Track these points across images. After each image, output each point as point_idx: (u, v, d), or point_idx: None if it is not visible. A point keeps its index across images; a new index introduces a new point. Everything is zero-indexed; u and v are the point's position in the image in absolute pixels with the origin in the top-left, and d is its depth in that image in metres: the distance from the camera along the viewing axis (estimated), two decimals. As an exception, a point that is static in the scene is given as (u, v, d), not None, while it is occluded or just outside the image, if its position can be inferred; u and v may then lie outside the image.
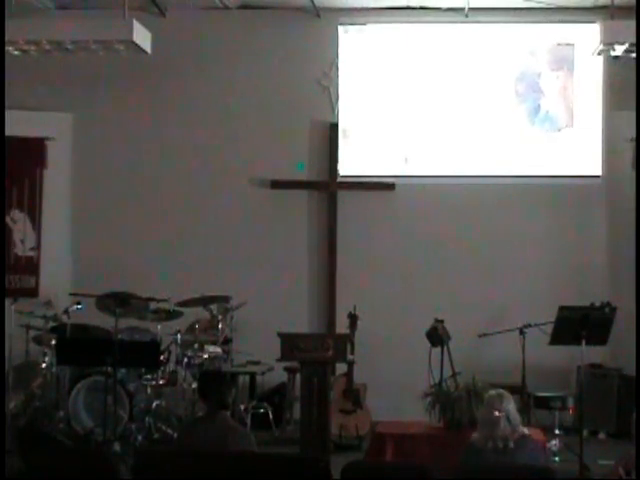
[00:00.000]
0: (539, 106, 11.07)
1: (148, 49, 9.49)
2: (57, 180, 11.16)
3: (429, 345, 9.20)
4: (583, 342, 8.39)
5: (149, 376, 9.65)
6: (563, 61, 11.02)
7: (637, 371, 9.27)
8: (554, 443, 8.99)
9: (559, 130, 11.05)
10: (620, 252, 10.75)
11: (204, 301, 9.94)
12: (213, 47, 11.21)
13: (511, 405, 5.86)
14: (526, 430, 5.92)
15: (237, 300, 10.07)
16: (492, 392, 6.00)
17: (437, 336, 9.22)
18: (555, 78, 11.05)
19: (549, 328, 8.63)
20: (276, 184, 11.14)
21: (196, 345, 9.84)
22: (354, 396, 9.73)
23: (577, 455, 8.32)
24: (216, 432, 6.08)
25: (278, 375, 10.18)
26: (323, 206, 11.18)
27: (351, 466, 5.43)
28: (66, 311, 9.79)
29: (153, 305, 9.71)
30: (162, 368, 9.64)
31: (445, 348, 9.16)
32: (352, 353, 9.46)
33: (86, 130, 11.22)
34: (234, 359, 10.05)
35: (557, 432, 9.23)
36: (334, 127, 11.14)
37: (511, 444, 5.72)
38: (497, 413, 5.77)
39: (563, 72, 11.03)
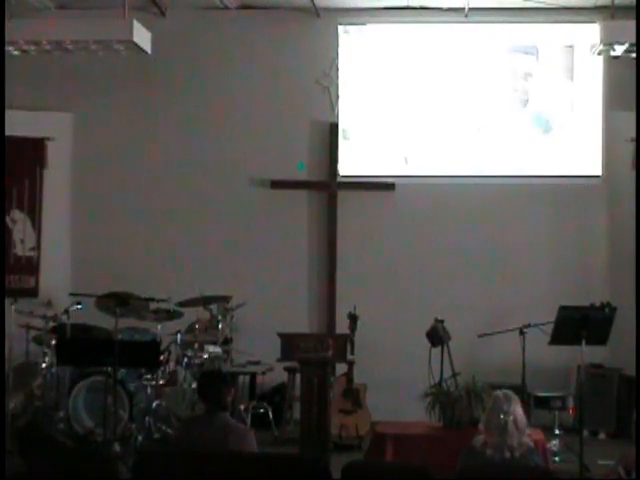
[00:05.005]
0: (539, 106, 11.06)
1: (148, 49, 9.50)
2: (57, 180, 11.16)
3: (429, 345, 9.21)
4: (583, 342, 8.39)
5: (149, 376, 9.64)
6: (563, 61, 11.02)
7: (637, 371, 9.28)
8: (554, 443, 9.01)
9: (559, 130, 11.05)
10: (620, 252, 10.75)
11: (204, 301, 9.94)
12: (213, 47, 11.21)
13: (518, 407, 5.80)
14: (531, 443, 5.85)
15: (237, 300, 10.07)
16: (498, 393, 5.87)
17: (437, 336, 9.22)
18: (555, 78, 11.05)
19: (549, 328, 8.63)
20: (276, 184, 11.14)
21: (196, 345, 9.84)
22: (354, 396, 9.74)
23: (577, 455, 8.32)
24: (216, 432, 6.08)
25: (278, 375, 10.17)
26: (323, 206, 11.18)
27: (351, 466, 5.43)
28: (66, 311, 9.79)
29: (153, 305, 9.70)
30: (162, 368, 9.63)
31: (445, 348, 9.17)
32: (352, 353, 9.47)
33: (86, 130, 11.23)
34: (234, 359, 10.05)
35: (557, 432, 9.25)
36: (334, 127, 11.14)
37: (517, 454, 5.67)
38: (504, 416, 5.71)
39: (563, 72, 11.03)
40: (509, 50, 11.06)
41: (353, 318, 9.90)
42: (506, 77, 11.07)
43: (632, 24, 8.96)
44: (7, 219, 10.83)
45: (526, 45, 11.04)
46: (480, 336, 9.60)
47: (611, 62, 10.34)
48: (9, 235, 10.90)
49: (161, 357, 9.42)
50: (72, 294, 9.91)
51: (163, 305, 9.71)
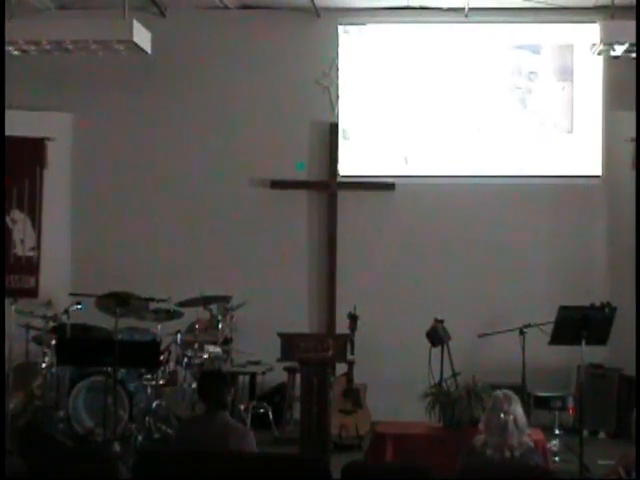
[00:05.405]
0: (539, 106, 11.06)
1: (148, 49, 9.50)
2: (57, 180, 11.16)
3: (429, 345, 9.21)
4: (583, 342, 8.39)
5: (149, 376, 9.64)
6: (563, 61, 11.01)
7: (637, 371, 9.28)
8: (554, 443, 9.01)
9: (559, 130, 11.04)
10: (620, 252, 10.76)
11: (204, 301, 9.94)
12: (213, 47, 11.21)
13: (518, 407, 5.80)
14: (531, 442, 5.85)
15: (237, 300, 10.07)
16: (498, 393, 5.88)
17: (437, 336, 9.22)
18: (555, 78, 11.05)
19: (549, 328, 8.63)
20: (276, 184, 11.14)
21: (196, 345, 9.84)
22: (354, 396, 9.74)
23: (577, 455, 8.32)
24: (215, 431, 6.09)
25: (278, 375, 10.18)
26: (323, 206, 11.18)
27: (351, 466, 5.43)
28: (66, 311, 9.79)
29: (153, 305, 9.70)
30: (162, 368, 9.63)
31: (445, 348, 9.17)
32: (352, 353, 9.47)
33: (86, 130, 11.23)
34: (234, 359, 10.04)
35: (557, 432, 9.26)
36: (334, 127, 11.14)
37: (517, 454, 5.67)
38: (504, 416, 5.71)
39: (563, 72, 11.03)
40: (514, 47, 11.03)
41: (353, 318, 9.91)
42: (509, 75, 11.04)
43: (632, 24, 8.96)
44: (7, 219, 10.83)
45: (532, 44, 11.03)
46: (480, 336, 9.61)
47: (611, 62, 10.33)
48: (9, 235, 10.90)
49: (161, 357, 9.42)
50: (72, 294, 9.90)
51: (163, 305, 9.70)
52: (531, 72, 11.06)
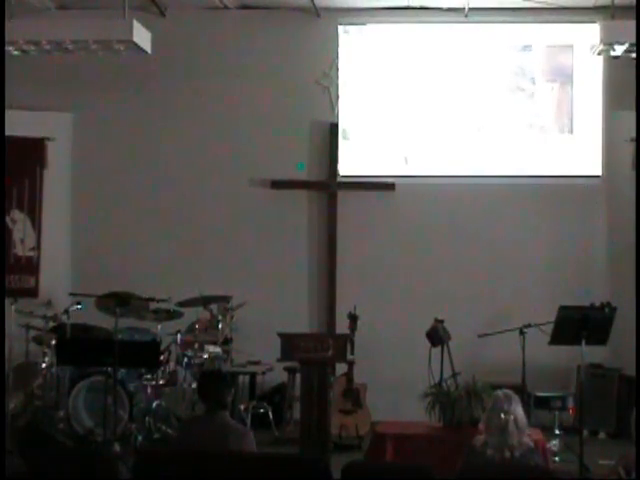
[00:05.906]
0: (539, 106, 11.06)
1: (148, 49, 9.50)
2: (57, 180, 11.17)
3: (429, 345, 9.21)
4: (583, 342, 8.39)
5: (149, 376, 9.64)
6: (563, 61, 11.01)
7: (637, 371, 9.28)
8: (554, 443, 9.01)
9: (559, 130, 11.05)
10: (620, 252, 10.75)
11: (204, 301, 9.94)
12: (213, 47, 11.21)
13: (519, 407, 5.80)
14: (531, 442, 5.85)
15: (237, 300, 10.07)
16: (498, 393, 5.88)
17: (437, 336, 9.23)
18: (555, 78, 11.05)
19: (549, 328, 8.62)
20: (276, 184, 11.14)
21: (196, 345, 9.84)
22: (354, 396, 9.74)
23: (577, 455, 8.32)
24: (215, 431, 6.09)
25: (278, 375, 10.18)
26: (323, 206, 11.18)
27: (351, 466, 5.43)
28: (66, 311, 9.79)
29: (153, 305, 9.70)
30: (162, 368, 9.63)
31: (445, 348, 9.17)
32: (352, 353, 9.47)
33: (86, 130, 11.23)
34: (234, 359, 10.04)
35: (557, 432, 9.26)
36: (334, 127, 11.14)
37: (517, 454, 5.67)
38: (504, 416, 5.71)
39: (563, 72, 11.03)
40: (514, 48, 11.03)
41: (353, 318, 9.91)
42: (509, 75, 11.04)
43: (632, 24, 8.95)
44: (7, 219, 10.83)
45: (526, 45, 11.03)
46: (480, 336, 9.61)
47: (611, 62, 10.33)
48: (9, 235, 10.90)
49: (161, 357, 9.43)
50: (72, 294, 9.92)
51: (163, 305, 9.71)
52: (530, 72, 11.06)
